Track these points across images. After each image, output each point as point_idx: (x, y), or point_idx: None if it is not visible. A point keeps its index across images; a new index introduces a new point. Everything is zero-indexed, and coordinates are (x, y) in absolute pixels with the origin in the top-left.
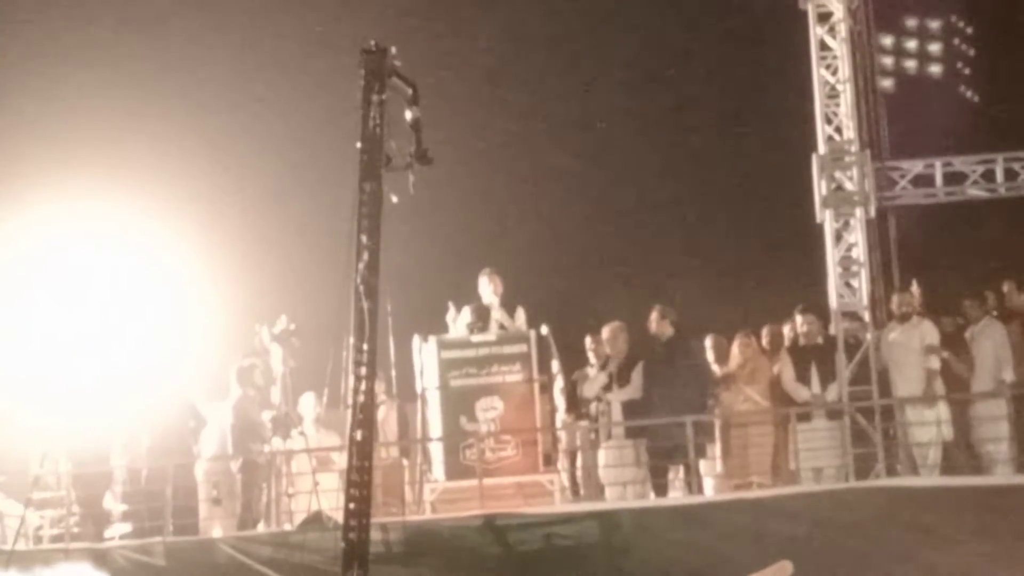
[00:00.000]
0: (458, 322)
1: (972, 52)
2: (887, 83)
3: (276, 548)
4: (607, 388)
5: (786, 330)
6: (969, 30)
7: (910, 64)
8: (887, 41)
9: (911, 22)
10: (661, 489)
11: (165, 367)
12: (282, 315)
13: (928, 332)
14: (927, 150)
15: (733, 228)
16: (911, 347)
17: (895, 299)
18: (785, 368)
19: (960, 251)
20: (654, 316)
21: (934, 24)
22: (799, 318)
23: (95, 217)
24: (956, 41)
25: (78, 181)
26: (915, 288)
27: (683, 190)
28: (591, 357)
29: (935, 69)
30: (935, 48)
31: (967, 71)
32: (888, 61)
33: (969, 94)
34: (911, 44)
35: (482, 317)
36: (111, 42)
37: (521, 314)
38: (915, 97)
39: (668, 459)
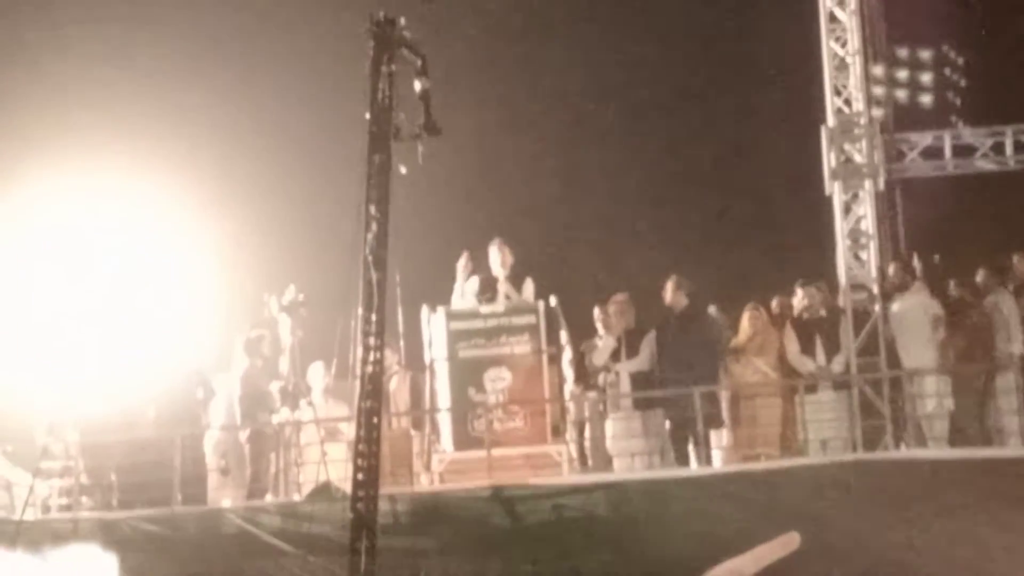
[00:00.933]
0: (465, 290)
1: (964, 82)
2: (877, 112)
3: (284, 518)
4: (615, 358)
5: (795, 301)
6: (960, 60)
7: (901, 94)
8: (878, 71)
9: (902, 52)
10: (683, 459)
11: (173, 337)
12: (291, 285)
13: (928, 303)
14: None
15: (742, 199)
16: (915, 317)
17: (891, 268)
18: (789, 341)
19: (969, 223)
20: (670, 286)
21: (925, 54)
22: (799, 292)
23: (101, 189)
24: (947, 71)
25: (85, 154)
26: (915, 261)
27: (692, 162)
28: (599, 328)
29: (926, 99)
30: (926, 78)
31: (958, 101)
32: (879, 91)
33: (960, 125)
34: (902, 74)
35: (490, 288)
36: (115, 14)
37: (529, 286)
38: (906, 127)
39: (682, 429)
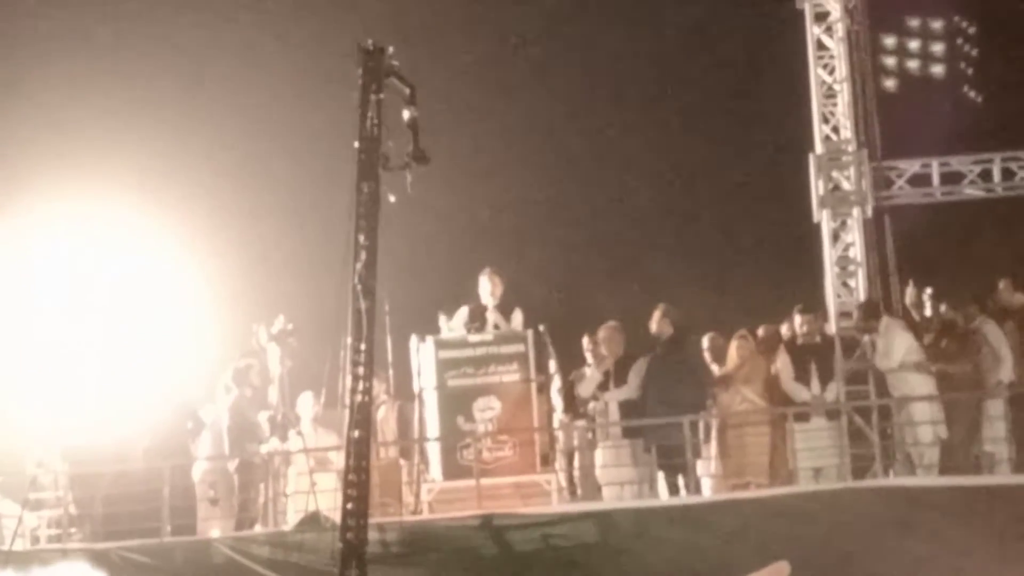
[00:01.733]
0: (454, 321)
1: (975, 52)
2: (890, 83)
3: (273, 548)
4: (603, 387)
5: (784, 329)
6: (972, 30)
7: (913, 64)
8: (889, 41)
9: (913, 22)
10: (673, 489)
11: (163, 368)
12: (280, 315)
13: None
14: (930, 150)
15: (730, 228)
16: (889, 356)
17: (855, 313)
18: (784, 367)
19: (957, 251)
20: (656, 315)
21: (937, 24)
22: (798, 318)
23: (92, 219)
24: (959, 41)
25: (75, 183)
26: (910, 288)
27: (680, 190)
28: (588, 357)
29: (938, 69)
30: (938, 48)
31: (970, 71)
32: (891, 61)
33: (972, 94)
34: (914, 44)
35: (479, 317)
36: (110, 43)
37: (518, 316)
38: (918, 97)
39: (667, 459)
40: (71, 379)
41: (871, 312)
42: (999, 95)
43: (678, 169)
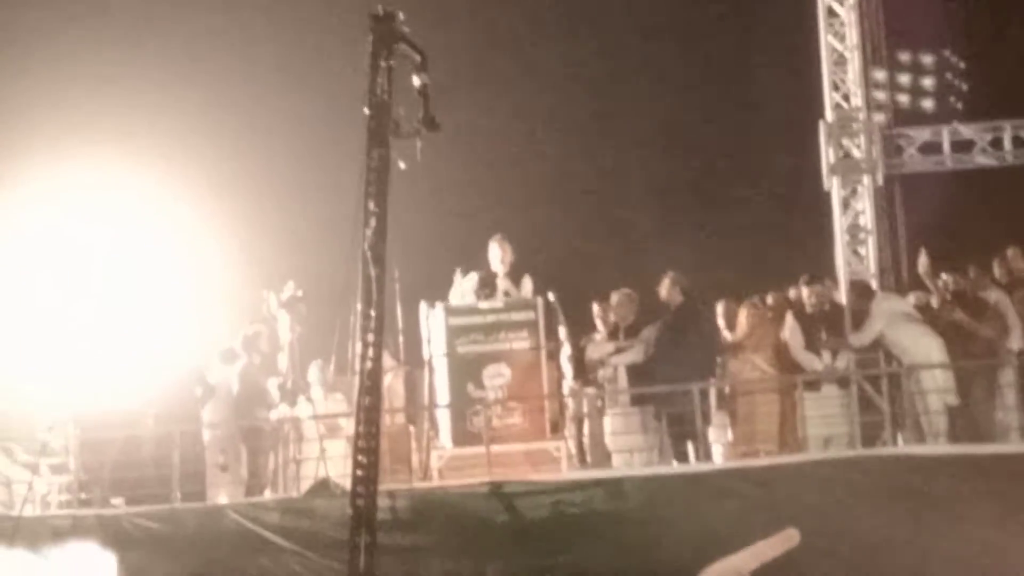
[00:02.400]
0: (463, 287)
1: (965, 87)
2: (880, 117)
3: (283, 515)
4: (613, 353)
5: (791, 294)
6: (962, 65)
7: (903, 99)
8: (880, 75)
9: (904, 56)
10: (681, 456)
11: (172, 334)
12: (289, 281)
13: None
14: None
15: (741, 195)
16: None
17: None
18: (793, 335)
19: (968, 218)
20: (665, 283)
21: (927, 59)
22: (805, 289)
23: (100, 186)
24: (949, 76)
25: (84, 151)
26: (923, 257)
27: (690, 157)
28: (598, 324)
29: (928, 104)
30: (928, 83)
31: (960, 106)
32: (881, 95)
33: (962, 129)
34: (904, 79)
35: (489, 284)
36: (113, 10)
37: (528, 283)
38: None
39: (678, 426)
40: (80, 346)
41: (861, 293)
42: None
43: (688, 137)
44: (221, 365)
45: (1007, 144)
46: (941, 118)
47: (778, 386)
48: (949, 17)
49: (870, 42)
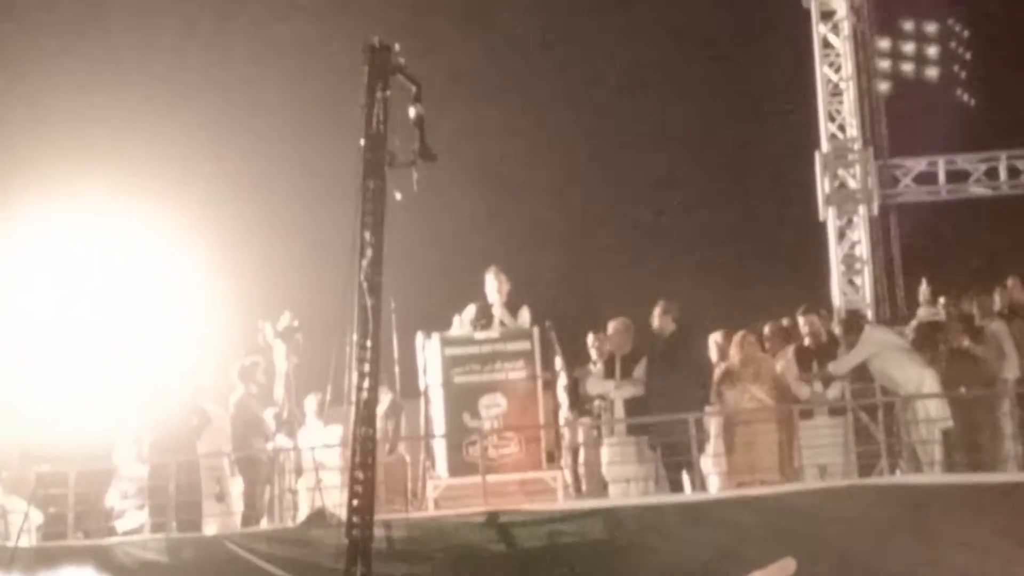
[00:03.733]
0: (462, 318)
1: (969, 56)
2: (884, 86)
3: (279, 545)
4: (608, 376)
5: (785, 323)
6: (966, 33)
7: (907, 68)
8: (884, 44)
9: (908, 25)
10: (677, 485)
11: (168, 364)
12: (286, 311)
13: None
14: (925, 152)
15: (736, 226)
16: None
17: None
18: (789, 366)
19: (963, 248)
20: (657, 312)
21: (931, 27)
22: (801, 319)
23: (97, 213)
24: (953, 44)
25: (82, 179)
26: (924, 286)
27: (686, 188)
28: (593, 354)
29: (932, 72)
30: (932, 51)
31: (964, 75)
32: (885, 64)
33: (966, 98)
34: (908, 47)
35: (486, 315)
36: (107, 37)
37: (526, 313)
38: (912, 101)
39: (672, 455)
40: (77, 375)
41: (851, 327)
42: (993, 98)
43: (683, 167)
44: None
45: (1002, 174)
46: (946, 90)
47: (776, 416)
48: None
49: (873, 10)
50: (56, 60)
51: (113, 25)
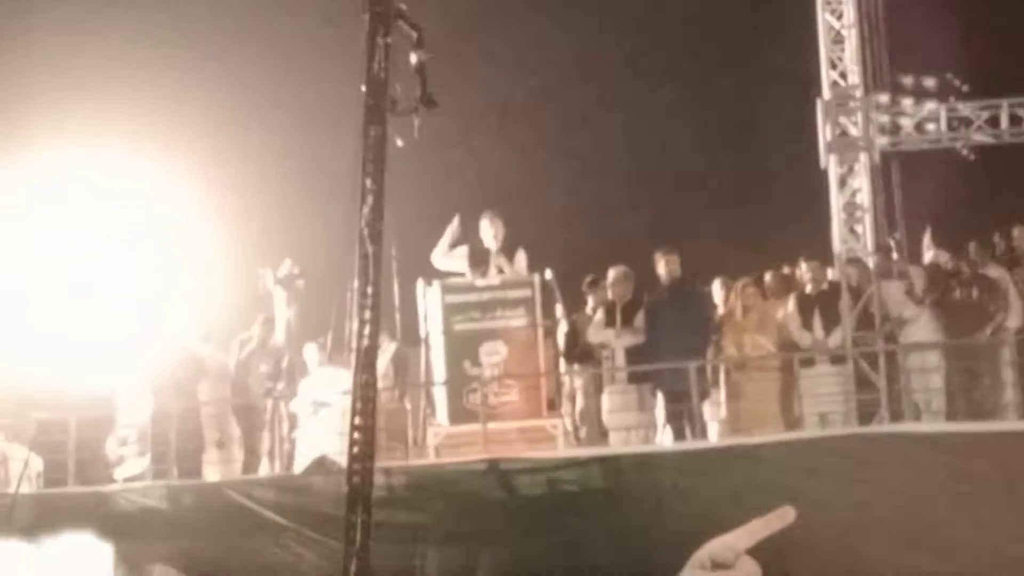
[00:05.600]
0: (455, 258)
1: (968, 111)
2: (883, 140)
3: (280, 492)
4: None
5: (785, 270)
6: (965, 88)
7: (906, 122)
8: (883, 99)
9: (907, 80)
10: (678, 433)
11: (169, 311)
12: (287, 259)
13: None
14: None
15: (737, 174)
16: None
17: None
18: (791, 315)
19: (965, 196)
20: (660, 260)
21: (930, 83)
22: (803, 265)
23: (98, 162)
24: (952, 100)
25: (77, 127)
26: (927, 236)
27: (687, 135)
28: (590, 301)
29: (931, 127)
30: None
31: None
32: (884, 119)
33: (965, 152)
34: (907, 102)
35: (482, 260)
36: None
37: (522, 257)
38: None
39: (673, 403)
40: (77, 323)
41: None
42: (992, 154)
43: (684, 115)
44: (202, 345)
45: (1004, 122)
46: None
47: (780, 364)
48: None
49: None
50: (65, 13)
51: None
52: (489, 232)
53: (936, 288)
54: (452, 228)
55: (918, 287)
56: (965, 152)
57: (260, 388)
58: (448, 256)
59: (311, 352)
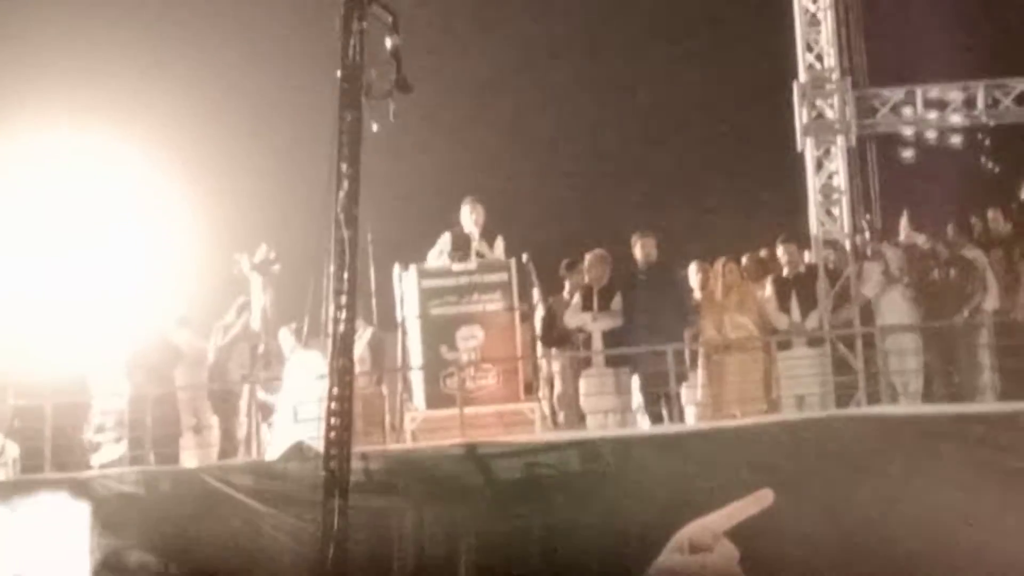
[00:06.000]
0: (439, 247)
1: (992, 123)
2: (907, 153)
3: (257, 478)
4: (586, 309)
5: (763, 254)
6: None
7: (930, 135)
8: (907, 111)
9: (932, 92)
10: (655, 417)
11: (145, 297)
12: (262, 244)
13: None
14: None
15: (714, 157)
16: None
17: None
18: (768, 298)
19: (941, 179)
20: (637, 243)
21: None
22: (780, 247)
23: (72, 150)
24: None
25: (56, 111)
26: (905, 217)
27: (664, 119)
28: (567, 285)
29: (955, 140)
30: (956, 118)
31: (987, 142)
32: (909, 131)
33: (990, 165)
34: (931, 115)
35: (462, 245)
36: None
37: (501, 244)
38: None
39: (651, 387)
40: (53, 307)
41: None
42: (1016, 165)
43: (661, 98)
44: (178, 330)
45: (980, 104)
46: (969, 155)
47: (760, 346)
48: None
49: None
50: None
51: None
52: (470, 218)
53: (913, 269)
54: (443, 242)
55: (894, 268)
56: (941, 134)
57: (239, 374)
58: (438, 253)
59: (286, 337)
